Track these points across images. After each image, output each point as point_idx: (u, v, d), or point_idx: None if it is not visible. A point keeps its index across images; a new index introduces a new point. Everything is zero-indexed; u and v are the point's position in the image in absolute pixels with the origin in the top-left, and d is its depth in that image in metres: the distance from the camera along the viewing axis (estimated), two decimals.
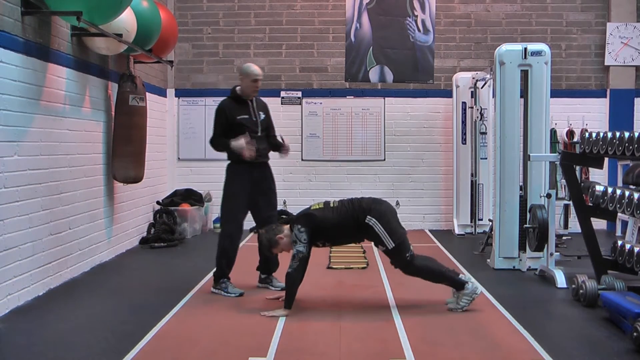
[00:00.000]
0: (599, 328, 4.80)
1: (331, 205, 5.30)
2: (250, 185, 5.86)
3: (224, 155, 5.93)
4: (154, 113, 8.79)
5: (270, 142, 6.05)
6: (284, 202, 9.58)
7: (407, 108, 10.13)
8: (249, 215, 6.03)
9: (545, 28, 10.07)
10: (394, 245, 5.14)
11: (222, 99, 6.05)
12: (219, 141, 5.87)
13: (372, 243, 5.33)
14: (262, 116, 5.97)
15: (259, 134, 5.90)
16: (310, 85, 10.16)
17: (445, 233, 9.70)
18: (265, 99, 6.42)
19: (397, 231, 5.19)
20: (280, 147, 6.06)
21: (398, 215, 5.40)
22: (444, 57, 10.09)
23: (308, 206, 5.43)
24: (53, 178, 5.97)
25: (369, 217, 5.15)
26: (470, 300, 5.21)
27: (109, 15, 5.75)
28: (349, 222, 5.19)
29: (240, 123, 5.81)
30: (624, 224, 8.23)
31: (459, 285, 5.24)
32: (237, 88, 5.95)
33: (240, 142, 5.70)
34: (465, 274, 5.59)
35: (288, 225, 5.33)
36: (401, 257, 5.21)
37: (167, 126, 9.96)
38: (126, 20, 6.33)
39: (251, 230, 6.48)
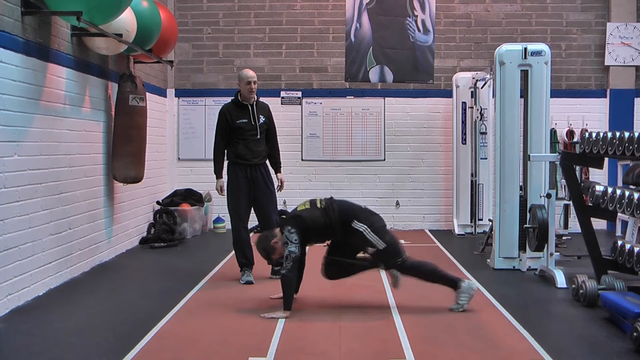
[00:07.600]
0: (599, 328, 4.80)
1: (318, 205, 5.32)
2: (247, 183, 6.29)
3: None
4: (154, 113, 8.78)
5: (270, 152, 6.44)
6: (284, 202, 9.56)
7: (407, 108, 10.13)
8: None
9: (545, 28, 10.07)
10: (385, 245, 5.16)
11: (221, 98, 6.16)
12: (217, 158, 6.40)
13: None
14: (262, 119, 6.32)
15: (258, 136, 6.30)
16: (310, 85, 10.16)
17: (445, 233, 9.69)
18: (265, 99, 6.59)
19: (388, 236, 5.22)
20: (278, 180, 6.53)
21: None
22: (444, 57, 10.09)
23: (295, 207, 5.46)
24: (53, 178, 5.96)
25: (356, 221, 5.18)
26: (469, 297, 5.23)
27: (109, 15, 5.76)
28: (336, 222, 5.22)
29: (239, 127, 6.23)
30: (624, 224, 8.24)
31: (452, 283, 5.28)
32: (239, 93, 6.33)
33: (218, 184, 6.44)
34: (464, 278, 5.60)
35: (279, 229, 5.37)
36: (392, 260, 5.23)
37: (167, 126, 9.96)
38: (126, 20, 6.34)
39: (251, 230, 6.55)
